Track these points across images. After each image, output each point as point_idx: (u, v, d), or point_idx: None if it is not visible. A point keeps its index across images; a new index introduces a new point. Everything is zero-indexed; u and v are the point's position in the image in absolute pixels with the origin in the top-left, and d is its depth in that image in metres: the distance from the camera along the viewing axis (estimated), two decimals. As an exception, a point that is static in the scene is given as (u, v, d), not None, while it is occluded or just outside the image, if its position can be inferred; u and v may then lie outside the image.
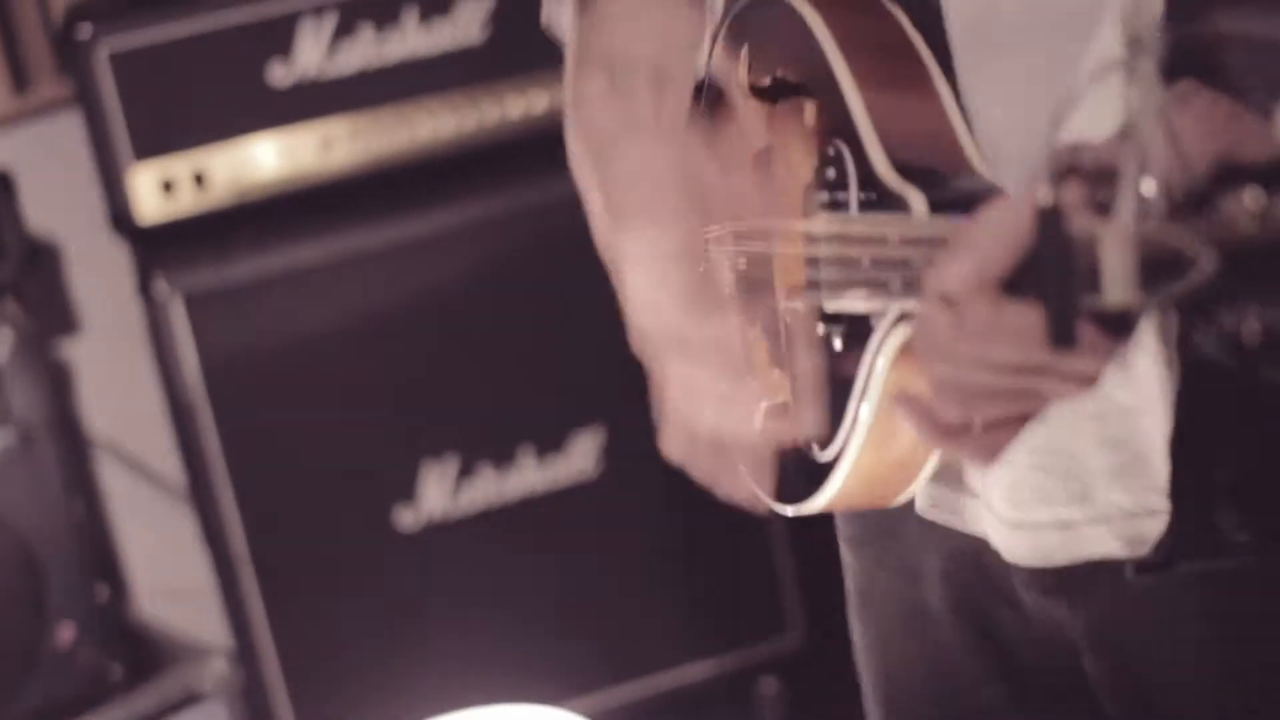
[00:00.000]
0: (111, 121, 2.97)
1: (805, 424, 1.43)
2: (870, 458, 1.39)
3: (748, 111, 1.53)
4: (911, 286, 1.26)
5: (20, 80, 3.24)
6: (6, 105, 3.23)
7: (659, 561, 3.17)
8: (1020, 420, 1.23)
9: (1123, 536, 1.41)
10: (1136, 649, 1.46)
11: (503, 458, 3.12)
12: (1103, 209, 1.06)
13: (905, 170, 1.34)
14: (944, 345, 1.19)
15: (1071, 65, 1.34)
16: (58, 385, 3.25)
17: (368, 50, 3.03)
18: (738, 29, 1.54)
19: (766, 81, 1.51)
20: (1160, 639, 1.45)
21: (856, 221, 1.36)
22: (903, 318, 1.32)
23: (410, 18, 3.02)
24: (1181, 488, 1.37)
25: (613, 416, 3.12)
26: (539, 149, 3.07)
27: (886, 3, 1.44)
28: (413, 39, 3.04)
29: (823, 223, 1.39)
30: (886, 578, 1.62)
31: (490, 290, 3.08)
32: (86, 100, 2.99)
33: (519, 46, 3.04)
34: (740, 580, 3.21)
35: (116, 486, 3.39)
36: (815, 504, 1.45)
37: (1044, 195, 1.08)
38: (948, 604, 1.57)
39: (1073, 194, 1.07)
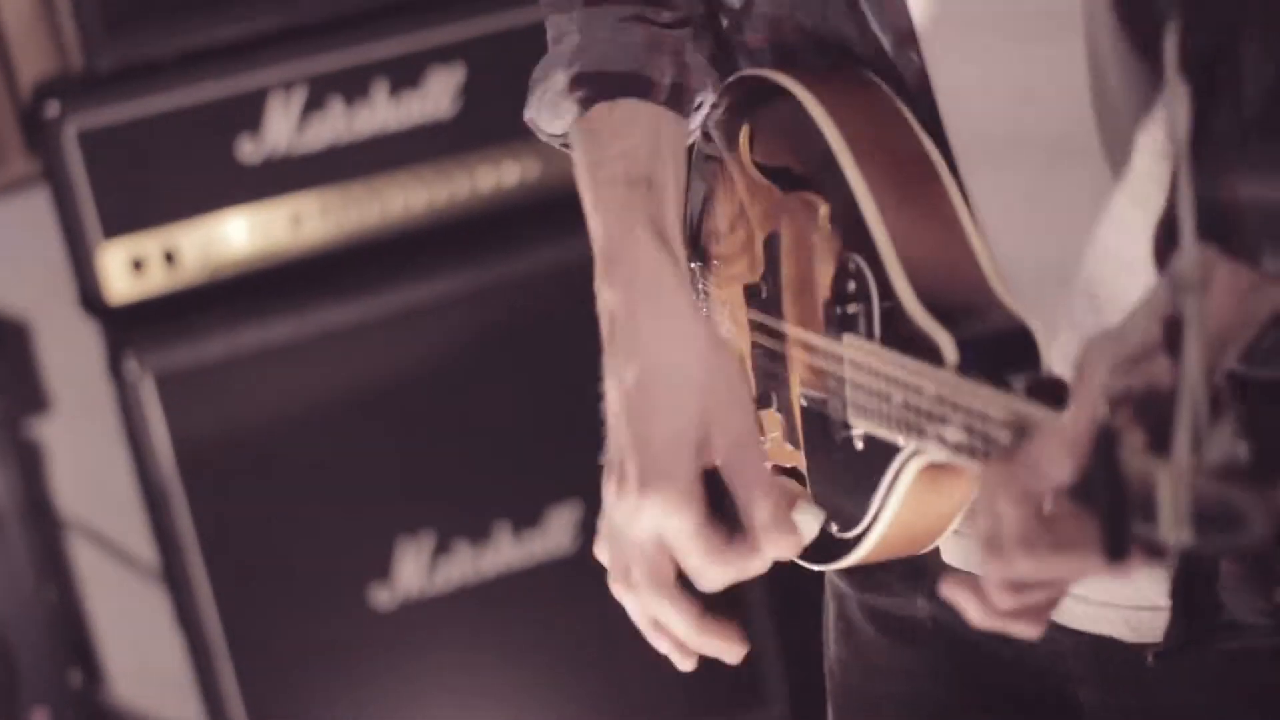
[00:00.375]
0: (80, 200, 2.95)
1: (824, 508, 1.46)
2: (891, 538, 1.42)
3: (751, 186, 1.54)
4: (945, 441, 1.28)
5: (-11, 158, 3.22)
6: (-25, 183, 3.21)
7: (638, 636, 3.12)
8: (1062, 594, 1.26)
9: (1129, 623, 1.44)
10: (1137, 678, 1.47)
11: (479, 534, 3.08)
12: (1158, 435, 1.09)
13: (932, 304, 1.34)
14: (1002, 551, 1.21)
15: (1070, 188, 1.37)
16: (29, 465, 3.22)
17: (338, 125, 3.01)
18: (736, 103, 1.55)
19: (773, 164, 1.51)
20: (1161, 668, 1.45)
21: (887, 360, 1.35)
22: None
23: (380, 91, 3.01)
24: (1195, 574, 1.38)
25: (589, 492, 3.03)
26: (511, 222, 3.06)
27: (899, 106, 1.44)
28: (383, 113, 3.02)
29: (850, 348, 1.40)
30: (872, 599, 1.62)
31: (464, 365, 3.06)
32: (54, 179, 2.97)
33: (490, 119, 3.02)
34: (721, 655, 3.17)
35: (89, 568, 3.35)
36: (834, 567, 1.49)
37: (1103, 419, 1.11)
38: (936, 626, 1.57)
39: (1127, 420, 1.11)
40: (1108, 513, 1.10)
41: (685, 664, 1.49)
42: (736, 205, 1.56)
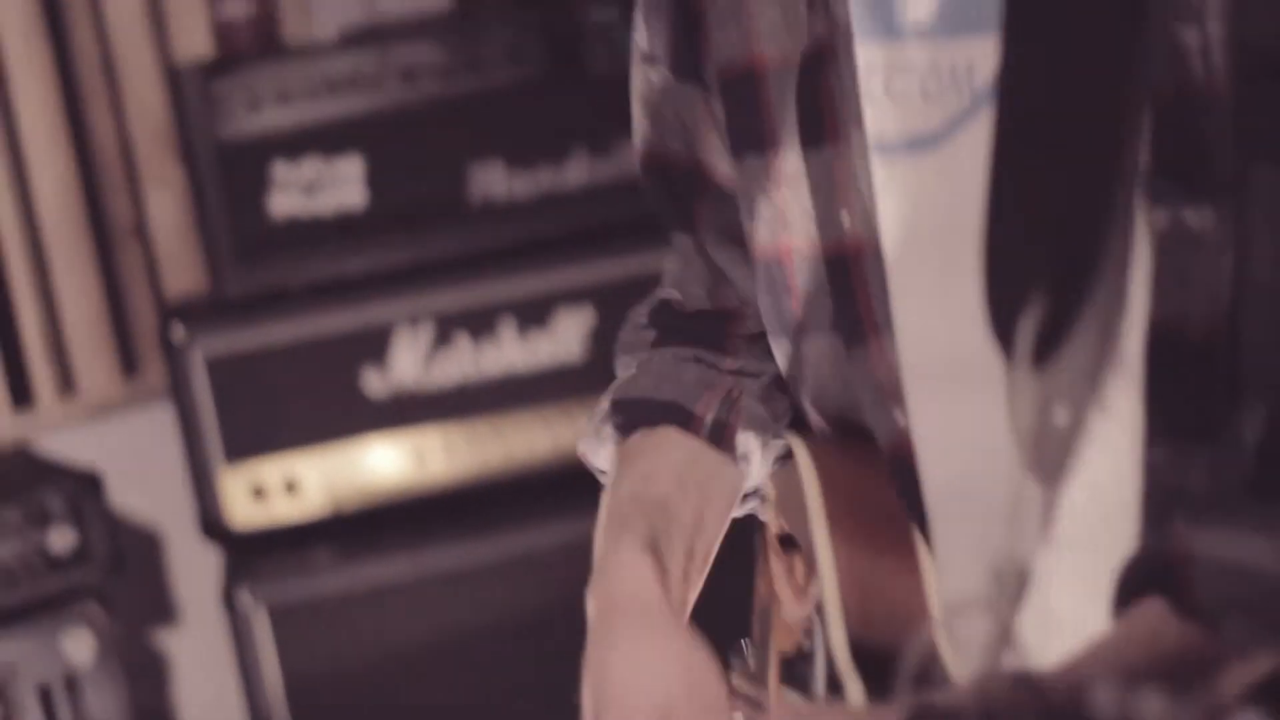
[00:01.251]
0: (204, 423, 2.92)
1: None
2: None
3: (773, 557, 1.48)
4: None
5: (129, 364, 3.20)
6: (115, 390, 3.19)
7: None
8: None
9: None
10: None
11: (588, 788, 2.98)
12: None
13: (859, 653, 1.28)
14: None
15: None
16: (150, 677, 3.19)
17: (464, 362, 2.95)
18: (776, 477, 1.49)
19: (783, 532, 1.46)
20: None
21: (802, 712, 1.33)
22: None
23: (508, 330, 2.94)
24: None
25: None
26: (636, 471, 2.98)
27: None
28: (510, 352, 2.95)
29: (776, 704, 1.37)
30: None
31: (578, 614, 2.96)
32: (179, 401, 2.94)
33: (618, 365, 2.94)
34: None
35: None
36: None
37: None
38: None
39: None
40: None
41: None
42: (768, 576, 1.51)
